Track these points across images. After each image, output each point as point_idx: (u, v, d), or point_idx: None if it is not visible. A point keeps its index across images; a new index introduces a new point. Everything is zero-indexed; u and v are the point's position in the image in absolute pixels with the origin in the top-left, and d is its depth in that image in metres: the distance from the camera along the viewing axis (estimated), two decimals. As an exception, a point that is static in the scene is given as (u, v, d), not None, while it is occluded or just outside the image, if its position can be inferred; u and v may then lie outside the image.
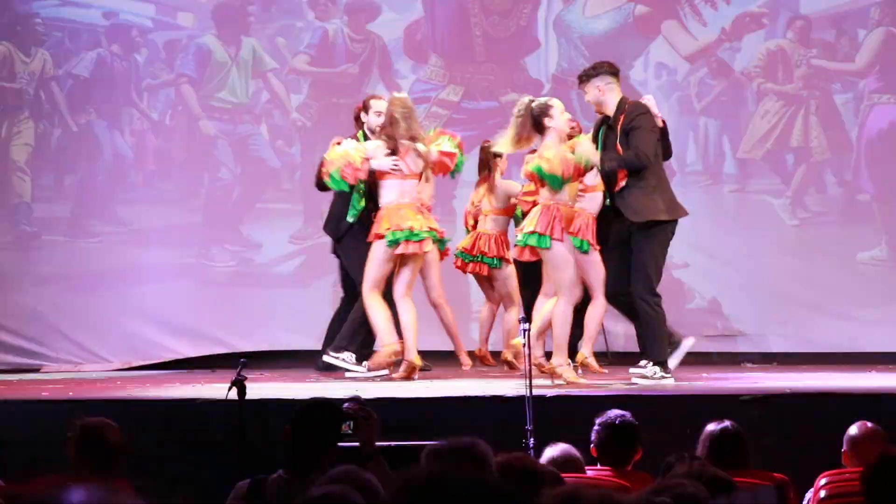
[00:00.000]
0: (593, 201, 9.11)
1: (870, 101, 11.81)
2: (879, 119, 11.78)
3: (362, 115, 9.76)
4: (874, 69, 11.81)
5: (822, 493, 5.31)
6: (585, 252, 8.64)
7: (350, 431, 5.11)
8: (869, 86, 11.82)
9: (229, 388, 6.34)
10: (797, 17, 11.99)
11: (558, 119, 8.72)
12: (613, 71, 8.90)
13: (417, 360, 9.16)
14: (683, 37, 12.08)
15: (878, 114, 11.79)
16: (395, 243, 9.02)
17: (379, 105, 9.62)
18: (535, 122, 8.68)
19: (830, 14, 11.93)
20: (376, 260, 9.13)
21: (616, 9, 12.15)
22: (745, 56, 12.01)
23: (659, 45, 12.09)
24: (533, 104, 8.72)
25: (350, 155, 9.13)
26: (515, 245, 8.87)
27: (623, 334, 11.19)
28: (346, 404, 5.28)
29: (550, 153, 8.53)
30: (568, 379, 8.43)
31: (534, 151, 8.94)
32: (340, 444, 5.10)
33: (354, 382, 8.82)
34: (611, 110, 8.76)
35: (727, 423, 5.67)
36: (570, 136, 8.98)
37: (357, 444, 5.13)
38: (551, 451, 5.31)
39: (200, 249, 12.05)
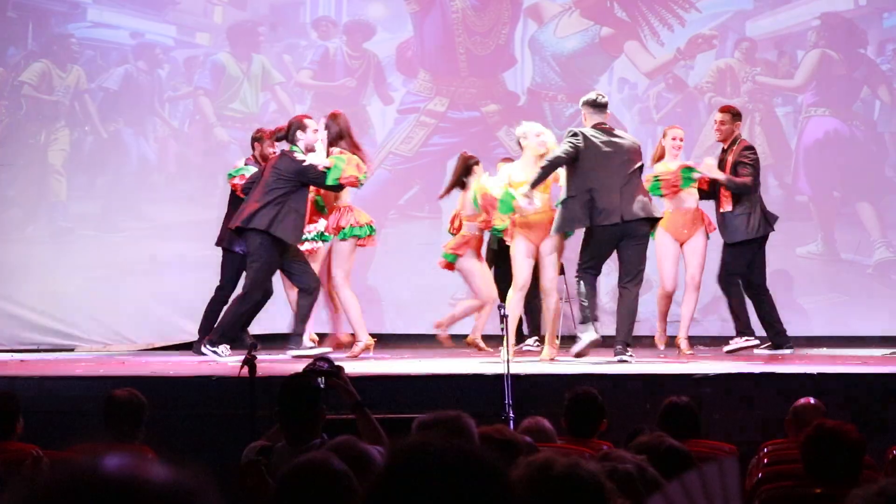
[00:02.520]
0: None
1: (807, 113, 11.84)
2: (815, 129, 11.82)
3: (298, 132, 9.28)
4: (811, 85, 11.84)
5: (765, 460, 5.33)
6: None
7: (322, 386, 5.09)
8: (806, 100, 11.85)
9: (241, 367, 6.34)
10: (744, 38, 12.01)
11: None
12: (590, 102, 8.95)
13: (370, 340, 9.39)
14: (643, 55, 12.10)
15: (815, 125, 11.82)
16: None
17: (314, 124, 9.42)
18: None
19: (773, 37, 11.96)
20: (346, 253, 9.22)
21: (584, 30, 12.16)
22: (698, 73, 12.04)
23: (622, 63, 12.11)
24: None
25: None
26: None
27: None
28: (317, 362, 5.27)
29: None
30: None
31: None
32: (333, 414, 5.09)
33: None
34: None
35: (682, 398, 5.69)
36: None
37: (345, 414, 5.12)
38: (527, 423, 5.31)
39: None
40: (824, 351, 10.00)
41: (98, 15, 12.32)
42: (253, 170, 9.65)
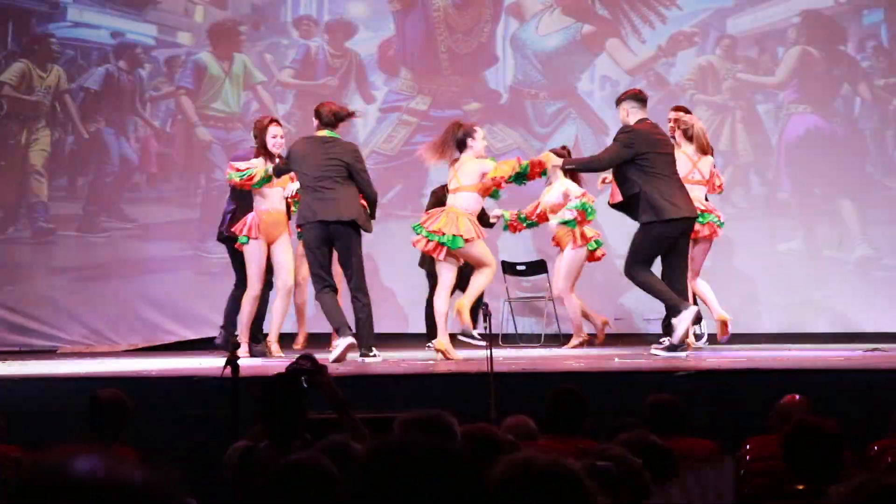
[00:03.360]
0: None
1: (788, 110, 11.86)
2: (796, 126, 11.84)
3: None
4: (792, 82, 11.86)
5: (748, 457, 5.33)
6: None
7: (305, 385, 5.07)
8: (787, 97, 11.87)
9: (224, 367, 6.31)
10: (725, 35, 12.03)
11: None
12: (634, 97, 8.87)
13: None
14: (625, 53, 12.10)
15: (796, 122, 11.84)
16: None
17: (276, 130, 9.28)
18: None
19: (754, 33, 11.98)
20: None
21: (565, 28, 12.17)
22: (679, 70, 12.05)
23: (603, 60, 12.12)
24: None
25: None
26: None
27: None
28: (298, 361, 5.24)
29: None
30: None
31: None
32: (315, 413, 5.07)
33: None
34: None
35: (665, 395, 5.69)
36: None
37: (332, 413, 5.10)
38: (509, 422, 5.30)
39: (197, 243, 12.02)
40: (806, 347, 10.01)
41: (78, 14, 12.30)
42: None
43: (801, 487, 4.41)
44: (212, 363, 8.42)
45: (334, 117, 8.89)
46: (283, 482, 3.33)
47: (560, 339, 10.69)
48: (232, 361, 6.28)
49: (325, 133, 8.83)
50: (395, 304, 11.82)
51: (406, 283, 11.56)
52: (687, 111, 9.74)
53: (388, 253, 11.86)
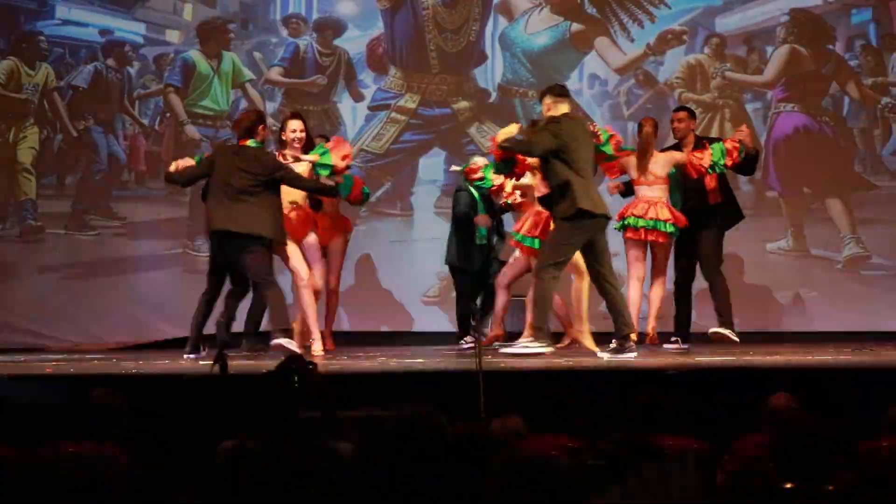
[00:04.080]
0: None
1: (776, 109, 11.89)
2: (785, 125, 11.87)
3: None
4: (780, 81, 11.89)
5: (737, 456, 5.33)
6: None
7: (296, 385, 5.06)
8: (776, 96, 11.90)
9: (213, 365, 6.31)
10: (713, 34, 12.06)
11: None
12: (560, 92, 8.78)
13: None
14: (613, 51, 12.12)
15: (784, 120, 11.87)
16: None
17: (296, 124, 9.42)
18: None
19: (742, 32, 12.01)
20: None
21: (554, 26, 12.18)
22: (668, 68, 12.07)
23: (592, 59, 12.14)
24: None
25: None
26: None
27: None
28: (288, 360, 5.23)
29: None
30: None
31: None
32: (305, 413, 5.07)
33: None
34: None
35: (655, 393, 5.69)
36: None
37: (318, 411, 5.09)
38: (499, 421, 5.30)
39: (186, 241, 12.01)
40: (796, 346, 10.03)
41: (67, 12, 12.29)
42: None
43: (790, 486, 4.41)
44: (202, 361, 8.42)
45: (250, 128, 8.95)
46: (273, 482, 3.33)
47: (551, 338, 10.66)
48: (221, 360, 6.28)
49: (248, 143, 8.87)
50: (393, 303, 11.80)
51: (401, 282, 11.55)
52: (690, 113, 9.77)
53: (381, 252, 11.88)
